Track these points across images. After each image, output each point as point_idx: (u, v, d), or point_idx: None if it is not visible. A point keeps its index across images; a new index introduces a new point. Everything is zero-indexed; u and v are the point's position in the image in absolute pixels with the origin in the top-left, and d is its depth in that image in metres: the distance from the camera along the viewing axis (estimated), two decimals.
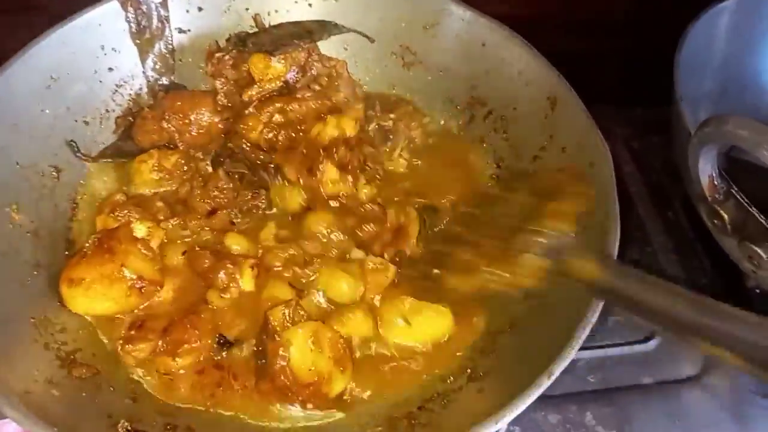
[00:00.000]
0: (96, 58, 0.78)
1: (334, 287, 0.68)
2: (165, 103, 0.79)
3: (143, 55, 0.82)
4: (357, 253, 0.71)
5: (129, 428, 0.56)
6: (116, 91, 0.81)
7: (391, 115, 0.84)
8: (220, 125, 0.80)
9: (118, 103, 0.81)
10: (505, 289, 0.57)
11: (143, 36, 0.81)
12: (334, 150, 0.75)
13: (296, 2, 0.87)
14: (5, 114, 0.68)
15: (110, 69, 0.79)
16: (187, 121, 0.78)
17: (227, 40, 0.84)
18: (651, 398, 0.76)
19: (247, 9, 0.86)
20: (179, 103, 0.79)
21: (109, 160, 0.78)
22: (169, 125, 0.78)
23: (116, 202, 0.72)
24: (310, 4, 0.87)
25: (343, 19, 0.87)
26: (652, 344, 0.80)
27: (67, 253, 0.70)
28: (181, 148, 0.78)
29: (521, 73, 0.79)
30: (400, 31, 0.87)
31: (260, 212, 0.74)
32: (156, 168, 0.75)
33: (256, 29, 0.87)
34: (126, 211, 0.71)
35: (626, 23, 1.08)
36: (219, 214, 0.73)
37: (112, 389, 0.61)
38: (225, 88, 0.80)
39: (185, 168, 0.76)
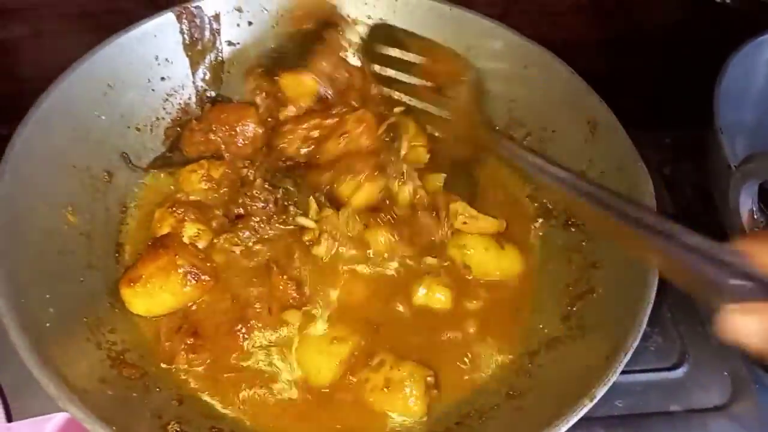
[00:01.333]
0: (150, 68, 0.80)
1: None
2: (211, 115, 0.82)
3: (194, 66, 0.84)
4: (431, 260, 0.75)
5: (179, 429, 0.57)
6: (167, 99, 0.83)
7: (397, 109, 0.84)
8: (264, 136, 0.82)
9: (168, 111, 0.83)
10: None
11: (195, 48, 0.84)
12: None
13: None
14: (65, 118, 0.71)
15: (162, 78, 0.82)
16: (233, 132, 0.80)
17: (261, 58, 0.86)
18: (678, 426, 0.76)
19: None
20: (225, 115, 0.81)
21: (159, 169, 0.81)
22: (216, 137, 0.80)
23: (177, 200, 0.75)
24: (355, 22, 0.89)
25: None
26: (680, 372, 0.80)
27: (117, 255, 0.73)
28: (227, 158, 0.80)
29: (562, 96, 0.80)
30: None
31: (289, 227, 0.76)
32: (205, 178, 0.77)
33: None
34: (183, 210, 0.73)
35: (658, 47, 1.09)
36: (245, 221, 0.74)
37: (158, 390, 0.63)
38: (264, 103, 0.82)
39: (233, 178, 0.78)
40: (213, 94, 0.87)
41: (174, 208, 0.73)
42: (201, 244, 0.72)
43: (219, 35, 0.85)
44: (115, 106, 0.77)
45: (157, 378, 0.64)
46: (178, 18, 0.81)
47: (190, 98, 0.85)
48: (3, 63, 0.94)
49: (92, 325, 0.64)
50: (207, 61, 0.85)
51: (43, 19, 0.91)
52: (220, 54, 0.86)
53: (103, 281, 0.69)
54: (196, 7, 0.82)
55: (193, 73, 0.85)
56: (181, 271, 0.67)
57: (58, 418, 0.69)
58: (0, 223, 0.60)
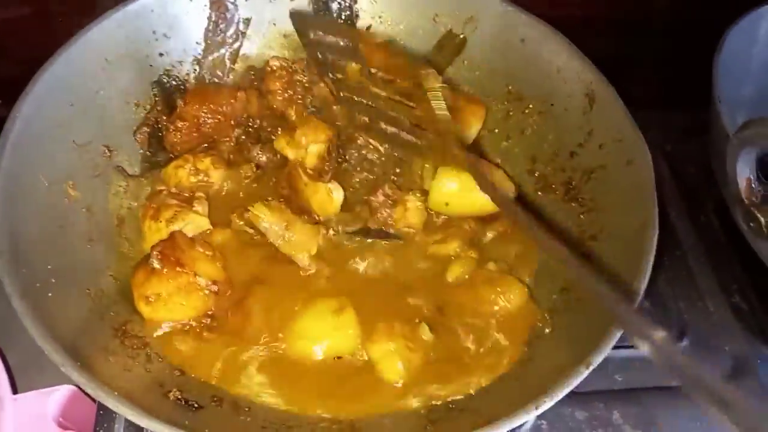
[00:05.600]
0: (147, 43, 0.80)
1: None
2: (192, 108, 0.80)
3: (206, 53, 0.85)
4: None
5: (179, 397, 0.58)
6: (164, 75, 0.83)
7: None
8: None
9: (166, 86, 0.83)
10: None
11: (215, 37, 0.85)
12: None
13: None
14: (64, 93, 0.71)
15: (160, 54, 0.82)
16: (222, 117, 0.81)
17: None
18: (678, 400, 0.76)
19: None
20: (209, 104, 0.80)
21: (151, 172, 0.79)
22: (207, 128, 0.80)
23: (155, 192, 0.76)
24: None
25: (388, 13, 0.89)
26: (680, 347, 0.80)
27: (117, 227, 0.74)
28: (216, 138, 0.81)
29: (560, 69, 0.80)
30: (440, 25, 0.88)
31: None
32: (193, 172, 0.77)
33: None
34: (161, 198, 0.73)
35: (662, 26, 1.08)
36: None
37: (161, 360, 0.64)
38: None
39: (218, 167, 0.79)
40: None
41: (151, 200, 0.73)
42: (179, 226, 0.71)
43: (243, 37, 0.87)
44: (114, 82, 0.77)
45: (158, 349, 0.65)
46: (211, 5, 0.82)
47: (188, 74, 0.85)
48: (5, 44, 0.93)
49: (95, 297, 0.65)
50: (221, 53, 0.86)
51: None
52: (236, 51, 0.87)
53: (105, 255, 0.70)
54: (231, 3, 0.83)
55: (203, 58, 0.85)
56: (204, 291, 0.67)
57: (61, 391, 0.71)
58: (2, 197, 0.61)
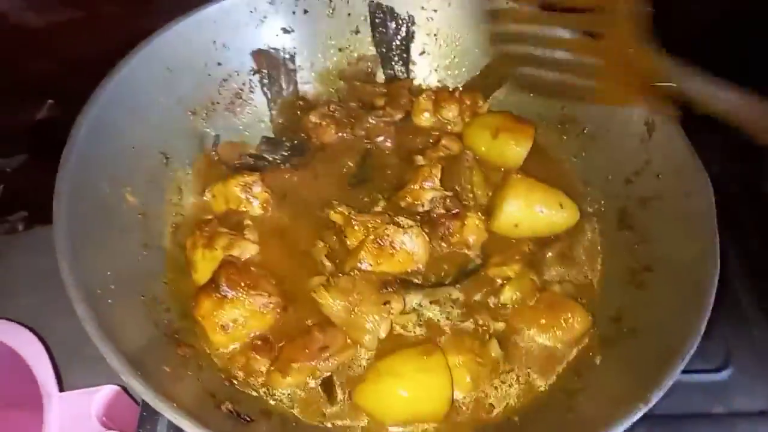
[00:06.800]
0: (207, 53, 0.81)
1: None
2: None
3: (272, 102, 0.88)
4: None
5: (231, 409, 0.59)
6: (222, 84, 0.84)
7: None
8: None
9: (222, 95, 0.84)
10: None
11: (273, 87, 0.88)
12: None
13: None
14: (127, 99, 0.72)
15: (219, 64, 0.83)
16: None
17: None
18: (721, 429, 0.75)
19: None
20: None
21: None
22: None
23: (203, 220, 0.75)
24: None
25: (443, 30, 0.89)
26: (725, 374, 0.79)
27: (171, 234, 0.75)
28: None
29: None
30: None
31: None
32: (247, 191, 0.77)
33: None
34: (212, 226, 0.73)
35: (708, 46, 1.07)
36: None
37: (211, 369, 0.64)
38: None
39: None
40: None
41: (203, 228, 0.73)
42: (236, 253, 0.71)
43: (296, 74, 0.89)
44: (174, 90, 0.78)
45: (207, 357, 0.66)
46: (256, 59, 0.85)
47: (244, 84, 0.86)
48: (56, 46, 0.95)
49: (149, 304, 0.66)
50: (284, 96, 0.89)
51: (96, 3, 0.92)
52: (294, 87, 0.89)
53: (159, 261, 0.71)
54: (273, 49, 0.85)
55: (269, 107, 0.88)
56: (277, 309, 0.69)
57: (105, 391, 0.72)
58: (66, 201, 0.62)
